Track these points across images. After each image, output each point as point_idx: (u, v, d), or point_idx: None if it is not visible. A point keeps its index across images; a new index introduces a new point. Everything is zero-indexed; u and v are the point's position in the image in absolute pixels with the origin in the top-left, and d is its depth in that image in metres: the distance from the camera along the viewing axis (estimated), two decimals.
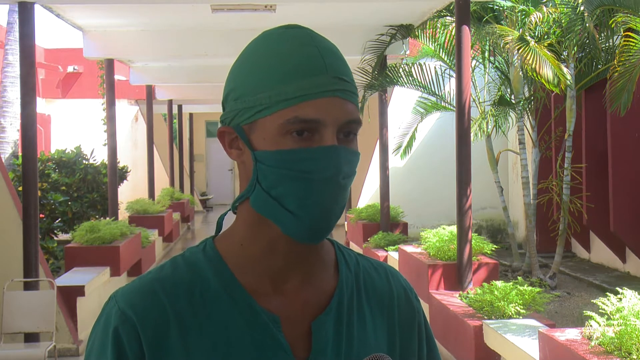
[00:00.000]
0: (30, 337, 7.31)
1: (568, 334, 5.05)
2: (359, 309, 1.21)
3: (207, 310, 1.13)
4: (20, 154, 10.80)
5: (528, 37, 9.63)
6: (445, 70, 11.73)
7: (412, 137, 12.77)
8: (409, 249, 9.42)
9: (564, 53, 10.40)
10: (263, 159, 1.11)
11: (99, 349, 1.13)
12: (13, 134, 14.27)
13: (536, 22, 10.04)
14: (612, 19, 9.20)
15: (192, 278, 1.15)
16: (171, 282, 1.15)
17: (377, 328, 1.21)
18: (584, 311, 5.35)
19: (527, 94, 11.26)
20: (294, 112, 1.09)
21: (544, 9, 10.08)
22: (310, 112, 1.09)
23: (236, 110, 1.14)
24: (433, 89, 11.69)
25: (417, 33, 11.50)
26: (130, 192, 18.24)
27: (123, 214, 14.96)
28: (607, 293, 5.64)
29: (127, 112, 21.43)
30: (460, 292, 7.72)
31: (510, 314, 6.58)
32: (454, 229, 8.41)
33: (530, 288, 6.88)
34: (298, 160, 1.09)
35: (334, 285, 1.20)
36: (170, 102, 20.92)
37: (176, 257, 1.19)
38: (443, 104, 11.96)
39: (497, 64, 11.74)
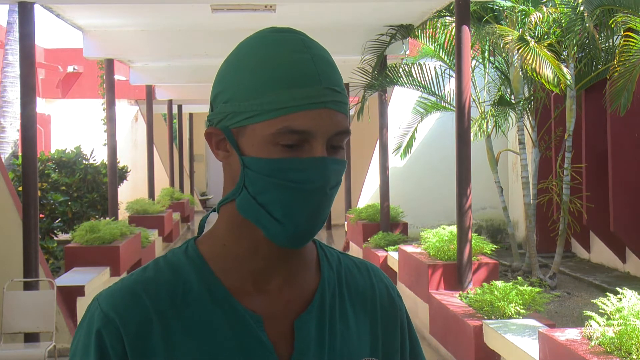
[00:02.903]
0: (30, 337, 7.31)
1: (568, 334, 5.05)
2: (341, 306, 1.21)
3: (189, 311, 1.14)
4: (20, 154, 10.80)
5: (528, 37, 9.64)
6: (445, 70, 11.73)
7: (412, 137, 12.78)
8: (409, 249, 9.42)
9: (564, 53, 10.40)
10: (251, 166, 1.11)
11: (82, 351, 1.13)
12: (13, 134, 14.27)
13: (536, 22, 10.04)
14: (612, 19, 9.20)
15: (175, 279, 1.16)
16: (154, 283, 1.15)
17: (359, 325, 1.22)
18: (584, 311, 5.35)
19: (527, 94, 11.26)
20: (285, 122, 1.09)
21: (544, 9, 10.08)
22: (302, 123, 1.09)
23: (225, 112, 1.13)
24: (433, 89, 11.69)
25: (417, 33, 11.49)
26: (130, 192, 18.24)
27: (123, 214, 14.96)
28: (607, 293, 5.64)
29: (127, 112, 21.43)
30: (460, 292, 7.72)
31: (510, 314, 6.58)
32: (454, 229, 8.41)
33: (530, 288, 6.88)
34: (287, 170, 1.09)
35: (316, 283, 1.21)
36: (170, 102, 20.93)
37: (158, 258, 1.19)
38: (443, 104, 11.96)
39: (497, 64, 11.74)
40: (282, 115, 1.09)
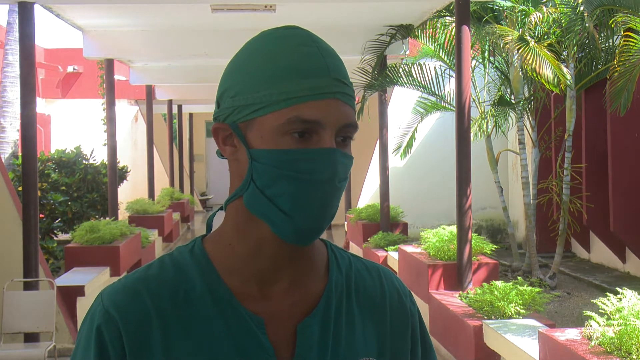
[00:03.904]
0: (30, 337, 7.31)
1: (568, 334, 5.05)
2: (348, 311, 1.20)
3: (190, 311, 1.13)
4: (20, 154, 10.80)
5: (528, 37, 9.64)
6: (445, 70, 11.73)
7: (412, 137, 12.78)
8: (409, 249, 9.42)
9: (564, 53, 10.40)
10: (259, 158, 1.10)
11: (84, 346, 1.14)
12: (13, 134, 14.27)
13: (536, 22, 10.04)
14: (612, 19, 9.20)
15: (178, 278, 1.15)
16: (156, 281, 1.14)
17: (366, 331, 1.20)
18: (584, 311, 5.35)
19: (527, 94, 11.26)
20: (296, 112, 1.09)
21: (544, 9, 10.08)
22: (312, 113, 1.09)
23: (233, 107, 1.13)
24: (433, 89, 11.69)
25: (417, 33, 11.49)
26: (130, 192, 18.24)
27: (123, 214, 14.96)
28: (607, 293, 5.64)
29: (127, 112, 21.43)
30: (460, 292, 7.72)
31: (510, 314, 6.58)
32: (454, 229, 8.41)
33: (530, 288, 6.88)
34: (296, 160, 1.09)
35: (323, 287, 1.19)
36: (170, 102, 20.92)
37: (164, 256, 1.19)
38: (443, 104, 11.96)
39: (497, 64, 11.74)
40: (292, 105, 1.09)
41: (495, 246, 8.91)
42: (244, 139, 1.12)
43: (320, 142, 1.09)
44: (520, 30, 10.23)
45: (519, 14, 10.56)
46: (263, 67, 1.11)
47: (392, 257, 10.38)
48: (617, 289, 5.27)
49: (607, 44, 10.59)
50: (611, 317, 4.81)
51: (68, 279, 8.88)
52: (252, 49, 1.14)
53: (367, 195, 15.89)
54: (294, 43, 1.12)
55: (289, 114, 1.09)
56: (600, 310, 5.00)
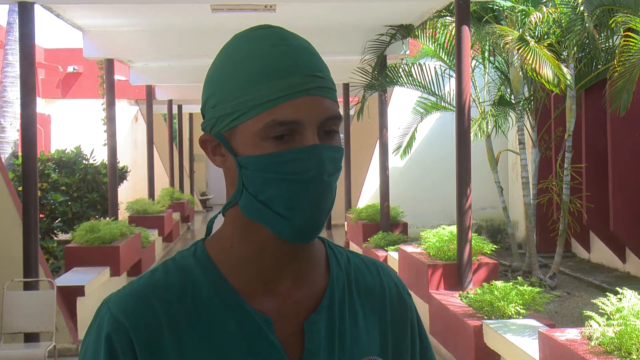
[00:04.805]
0: (30, 337, 7.31)
1: (568, 334, 5.05)
2: (350, 306, 1.21)
3: (199, 313, 1.13)
4: (20, 154, 10.80)
5: (528, 37, 9.64)
6: (445, 70, 11.73)
7: (412, 137, 12.78)
8: (409, 249, 9.42)
9: (564, 53, 10.41)
10: (247, 165, 1.11)
11: (91, 356, 1.12)
12: (13, 134, 14.27)
13: (536, 22, 10.04)
14: (612, 19, 9.20)
15: (184, 282, 1.15)
16: (163, 286, 1.14)
17: (369, 325, 1.21)
18: (584, 311, 5.35)
19: (527, 94, 11.26)
20: (272, 115, 1.09)
21: (544, 9, 10.08)
22: (288, 113, 1.09)
23: (215, 117, 1.13)
24: (433, 89, 11.69)
25: (417, 33, 11.49)
26: (130, 192, 18.25)
27: (123, 214, 14.96)
28: (607, 293, 5.64)
29: (127, 112, 21.44)
30: (460, 292, 7.72)
31: (510, 314, 6.58)
32: (454, 229, 8.41)
33: (530, 288, 6.88)
34: (281, 162, 1.09)
35: (325, 283, 1.20)
36: (170, 102, 20.94)
37: (167, 261, 1.19)
38: (443, 104, 11.96)
39: (497, 64, 11.74)
40: (268, 109, 1.09)
41: (495, 246, 8.91)
42: (230, 148, 1.13)
43: (303, 140, 1.09)
44: (520, 30, 10.23)
45: (519, 14, 10.56)
46: (236, 74, 1.11)
47: (392, 257, 10.38)
48: (617, 289, 5.27)
49: (607, 44, 10.59)
50: (611, 317, 4.81)
51: (68, 279, 8.88)
52: (225, 55, 1.14)
53: (367, 195, 15.89)
54: (265, 44, 1.12)
55: (265, 118, 1.09)
56: (600, 310, 5.00)
